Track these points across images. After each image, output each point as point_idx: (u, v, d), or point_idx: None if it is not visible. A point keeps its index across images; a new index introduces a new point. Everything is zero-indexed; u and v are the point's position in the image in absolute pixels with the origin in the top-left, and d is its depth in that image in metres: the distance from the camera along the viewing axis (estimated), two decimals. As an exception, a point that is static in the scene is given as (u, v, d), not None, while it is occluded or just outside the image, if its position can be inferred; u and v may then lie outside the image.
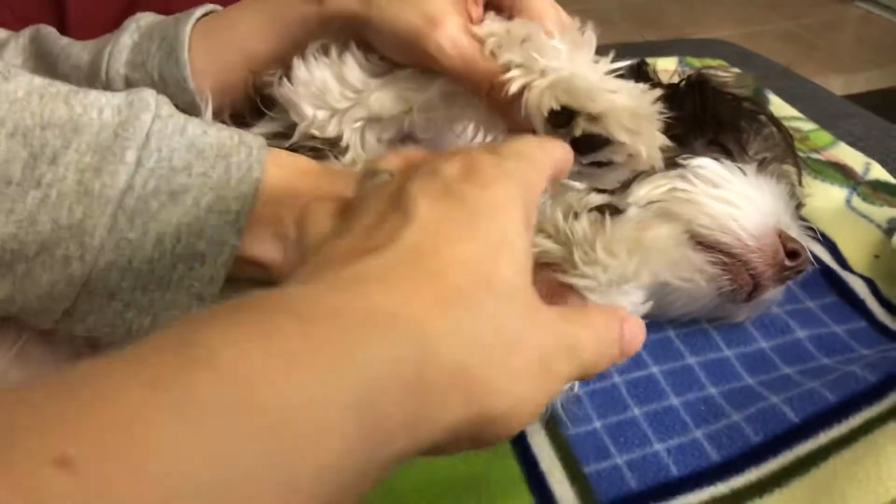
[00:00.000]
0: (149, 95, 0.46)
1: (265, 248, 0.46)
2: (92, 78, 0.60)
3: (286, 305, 0.24)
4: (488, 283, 0.29)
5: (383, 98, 0.53)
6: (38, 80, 0.44)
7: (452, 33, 0.50)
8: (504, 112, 0.48)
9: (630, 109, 0.42)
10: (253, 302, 0.24)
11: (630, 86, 0.44)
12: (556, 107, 0.43)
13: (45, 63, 0.62)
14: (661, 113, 0.43)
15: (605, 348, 0.34)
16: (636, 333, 0.36)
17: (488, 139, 0.53)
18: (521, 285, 0.31)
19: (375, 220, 0.31)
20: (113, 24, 0.64)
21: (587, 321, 0.34)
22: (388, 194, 0.33)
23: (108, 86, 0.59)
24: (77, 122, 0.43)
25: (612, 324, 0.35)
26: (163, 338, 0.22)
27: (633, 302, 0.45)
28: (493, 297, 0.29)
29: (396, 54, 0.53)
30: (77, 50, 0.61)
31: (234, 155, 0.46)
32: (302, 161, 0.49)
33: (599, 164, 0.44)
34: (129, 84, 0.59)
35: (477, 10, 0.52)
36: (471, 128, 0.54)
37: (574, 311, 0.35)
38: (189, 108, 0.57)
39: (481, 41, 0.49)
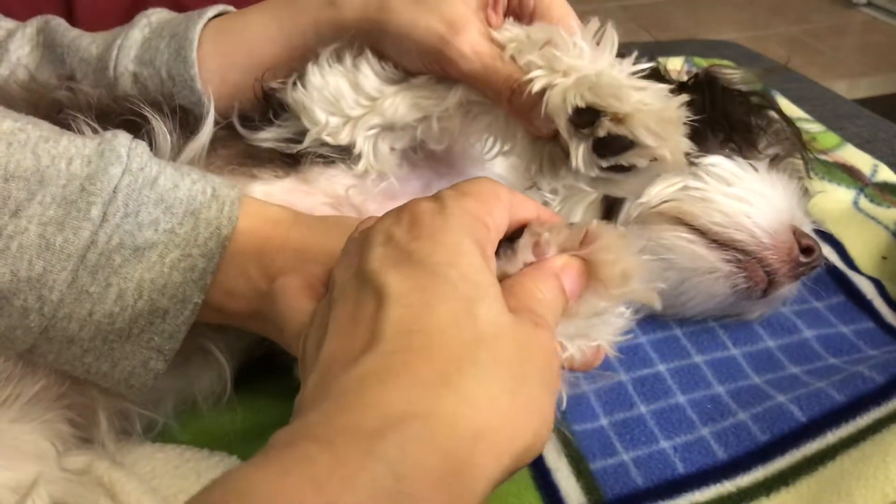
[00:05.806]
0: (121, 146, 0.44)
1: (228, 300, 0.46)
2: (100, 72, 0.59)
3: (311, 432, 0.28)
4: (477, 338, 0.31)
5: (398, 104, 0.52)
6: (8, 125, 0.43)
7: (473, 39, 0.49)
8: (524, 117, 0.48)
9: (657, 112, 0.41)
10: (285, 436, 0.28)
11: (656, 87, 0.43)
12: (582, 105, 0.42)
13: (52, 54, 0.61)
14: (687, 117, 0.42)
15: (557, 310, 0.36)
16: (576, 280, 0.37)
17: (505, 148, 0.53)
18: (503, 321, 0.32)
19: (352, 307, 0.33)
20: (121, 16, 0.64)
21: (532, 295, 0.35)
22: (353, 271, 0.34)
23: (115, 82, 0.59)
24: (43, 173, 0.42)
25: (552, 282, 0.36)
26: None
27: (616, 329, 0.42)
28: (486, 349, 0.30)
29: (413, 61, 0.52)
30: (86, 43, 0.60)
31: (204, 211, 0.45)
32: (273, 210, 0.48)
33: (620, 169, 0.43)
34: (138, 81, 0.59)
35: (497, 17, 0.52)
36: (486, 138, 0.54)
37: (520, 291, 0.35)
38: (195, 106, 0.57)
39: (502, 46, 0.49)
